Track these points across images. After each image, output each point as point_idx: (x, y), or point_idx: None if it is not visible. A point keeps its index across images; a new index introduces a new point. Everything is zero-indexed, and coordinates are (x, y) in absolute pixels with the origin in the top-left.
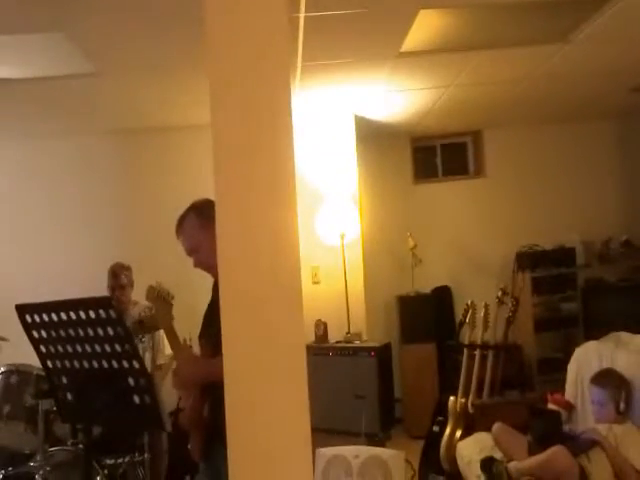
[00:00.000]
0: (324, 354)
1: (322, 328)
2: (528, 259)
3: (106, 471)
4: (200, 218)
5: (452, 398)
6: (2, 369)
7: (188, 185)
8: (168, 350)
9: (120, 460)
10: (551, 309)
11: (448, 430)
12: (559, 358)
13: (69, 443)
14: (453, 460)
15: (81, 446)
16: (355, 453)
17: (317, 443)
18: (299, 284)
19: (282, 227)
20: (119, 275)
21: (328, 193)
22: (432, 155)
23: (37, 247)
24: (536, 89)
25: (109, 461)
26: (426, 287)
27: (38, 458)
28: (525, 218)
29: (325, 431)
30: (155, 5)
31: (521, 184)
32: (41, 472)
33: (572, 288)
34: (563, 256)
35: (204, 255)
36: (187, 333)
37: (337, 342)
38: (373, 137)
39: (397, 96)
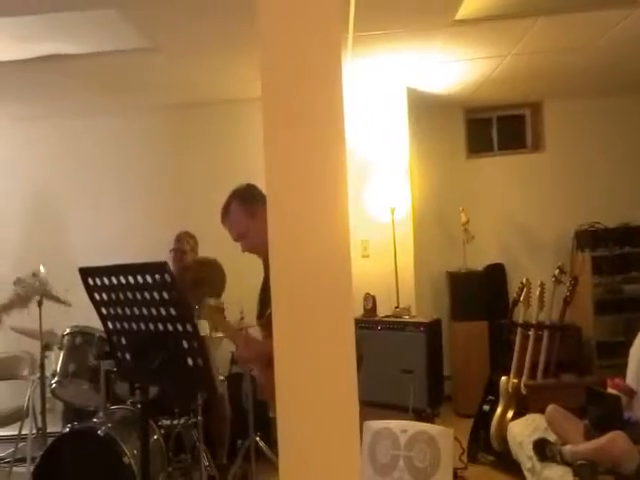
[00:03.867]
0: (372, 328)
1: (371, 302)
2: (588, 237)
3: (163, 431)
4: (243, 206)
5: (504, 378)
6: (67, 330)
7: (240, 157)
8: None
9: (175, 421)
10: (613, 291)
11: (499, 410)
12: (620, 342)
13: (128, 402)
14: (504, 440)
15: (139, 406)
16: (403, 427)
17: (363, 416)
18: (348, 257)
19: (332, 200)
20: (182, 241)
21: (379, 166)
22: (487, 128)
23: (100, 215)
24: (601, 57)
25: (165, 421)
26: (478, 264)
27: (100, 415)
28: (585, 194)
29: (371, 404)
30: None
31: (582, 159)
32: (103, 428)
33: (637, 269)
34: (627, 235)
35: (251, 240)
36: (240, 306)
37: (386, 316)
38: (425, 109)
39: (451, 66)
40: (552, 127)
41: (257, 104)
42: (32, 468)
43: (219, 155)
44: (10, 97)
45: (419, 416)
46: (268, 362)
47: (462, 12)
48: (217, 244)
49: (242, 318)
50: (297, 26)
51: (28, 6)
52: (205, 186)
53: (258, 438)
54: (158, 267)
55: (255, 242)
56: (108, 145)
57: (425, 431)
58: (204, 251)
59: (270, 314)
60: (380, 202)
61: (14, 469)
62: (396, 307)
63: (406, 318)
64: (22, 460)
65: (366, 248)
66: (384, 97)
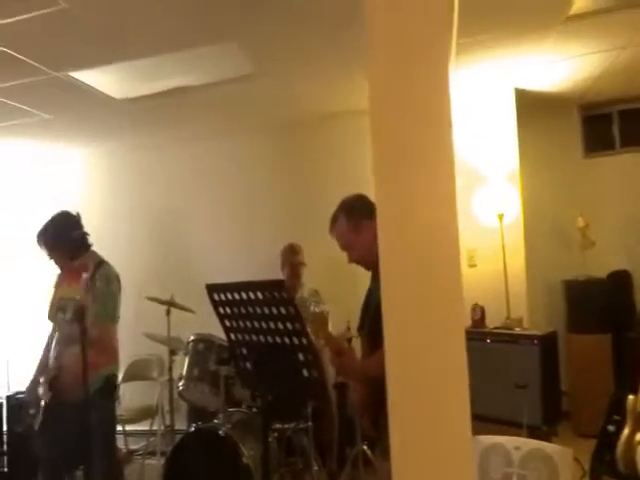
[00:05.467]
0: (481, 339)
1: (479, 313)
2: None
3: (275, 434)
4: (349, 219)
5: (631, 396)
6: (192, 337)
7: (347, 170)
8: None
9: (287, 425)
10: None
11: (626, 431)
12: None
13: (244, 406)
14: (632, 463)
15: (254, 410)
16: (516, 444)
17: (473, 430)
18: (458, 267)
19: (441, 210)
20: (295, 253)
21: (486, 172)
22: (607, 124)
23: (218, 231)
24: None
25: (277, 425)
26: (599, 271)
27: (220, 416)
28: None
29: (480, 419)
30: (315, 5)
31: None
32: (223, 428)
33: None
34: None
35: (357, 252)
36: (347, 317)
37: (495, 328)
38: (535, 109)
39: (563, 63)
40: None
41: (362, 116)
42: (162, 461)
43: (327, 167)
44: (138, 128)
45: (533, 433)
46: (359, 379)
47: (577, 6)
48: (326, 255)
49: (348, 328)
50: (404, 37)
51: (161, 47)
52: (313, 199)
53: (365, 447)
54: (276, 285)
55: (360, 254)
56: (224, 165)
57: (541, 449)
58: (314, 262)
59: (370, 329)
60: (488, 208)
61: (145, 461)
62: (507, 318)
63: (518, 330)
64: (152, 453)
65: (473, 257)
66: (491, 101)
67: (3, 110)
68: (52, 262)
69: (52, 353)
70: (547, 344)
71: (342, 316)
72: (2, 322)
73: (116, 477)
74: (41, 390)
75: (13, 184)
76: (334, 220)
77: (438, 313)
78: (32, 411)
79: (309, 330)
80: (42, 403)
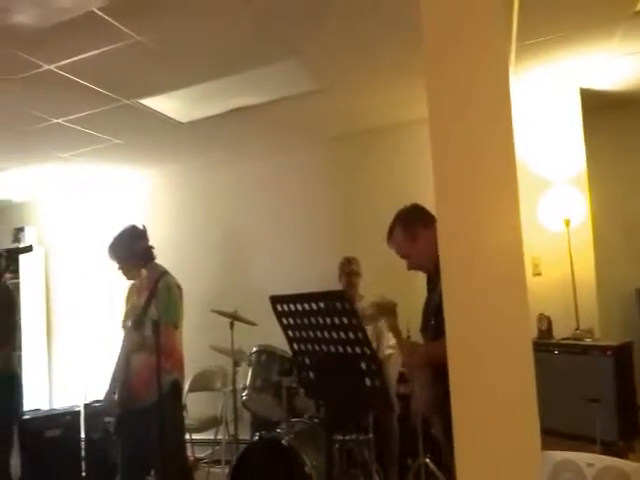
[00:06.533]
0: (549, 351)
1: (546, 323)
2: None
3: (337, 445)
4: (405, 230)
5: None
6: (255, 349)
7: (408, 179)
8: (389, 341)
9: (348, 437)
10: None
11: None
12: None
13: (306, 416)
14: None
15: (316, 420)
16: (588, 460)
17: (542, 445)
18: (523, 276)
19: (504, 218)
20: (353, 263)
21: (551, 176)
22: None
23: (280, 243)
24: None
25: (339, 437)
26: None
27: (283, 426)
28: None
29: (550, 433)
30: (375, 16)
31: None
32: (286, 438)
33: None
34: None
35: (414, 260)
36: (407, 325)
37: (564, 339)
38: (602, 109)
39: (631, 60)
40: None
41: (422, 125)
42: (226, 469)
43: (386, 178)
44: (201, 148)
45: (608, 449)
46: (435, 365)
47: None
48: (379, 267)
49: (409, 337)
50: (462, 45)
51: (226, 69)
52: (372, 210)
53: (428, 460)
54: (338, 295)
55: (418, 261)
56: (284, 180)
57: (616, 466)
58: (372, 270)
59: (430, 328)
60: (553, 213)
61: (211, 469)
62: (576, 329)
63: (588, 341)
64: (217, 462)
65: (537, 265)
66: (555, 102)
67: (79, 137)
68: (120, 273)
69: (123, 361)
70: (622, 355)
71: (400, 324)
72: (79, 333)
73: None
74: (116, 397)
75: (86, 205)
76: (391, 232)
77: (503, 324)
78: (108, 418)
79: (375, 315)
80: (117, 410)
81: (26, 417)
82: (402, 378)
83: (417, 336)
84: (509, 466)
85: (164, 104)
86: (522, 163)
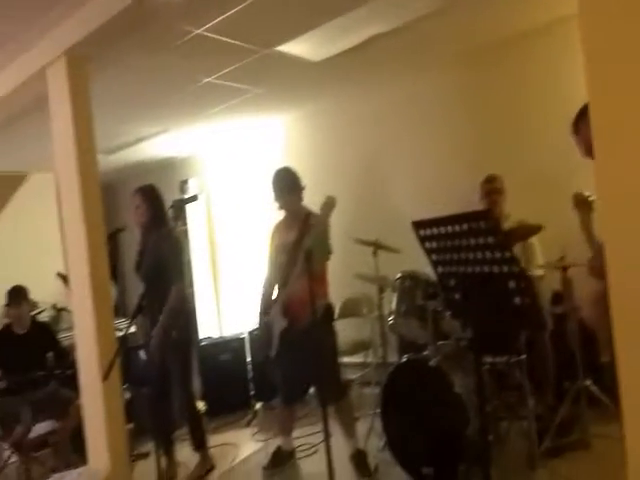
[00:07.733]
0: None
1: None
2: None
3: (487, 366)
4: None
5: None
6: (399, 275)
7: (547, 89)
8: (538, 260)
9: (499, 359)
10: None
11: None
12: None
13: (452, 338)
14: None
15: (463, 342)
16: None
17: None
18: None
19: None
20: (493, 182)
21: None
22: None
23: (418, 167)
24: None
25: (488, 359)
26: None
27: (430, 348)
28: None
29: None
30: None
31: None
32: (434, 360)
33: None
34: None
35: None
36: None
37: None
38: None
39: None
40: None
41: (558, 26)
42: (376, 390)
43: (525, 90)
44: (333, 86)
45: None
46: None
47: None
48: (525, 184)
49: (562, 257)
50: None
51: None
52: (512, 126)
53: (589, 382)
54: (482, 215)
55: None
56: (421, 105)
57: None
58: (514, 190)
59: None
60: None
61: (362, 390)
62: None
63: None
64: (367, 383)
65: None
66: None
67: (226, 92)
68: (276, 207)
69: (281, 289)
70: None
71: (553, 247)
72: (240, 269)
73: (345, 394)
74: (274, 321)
75: (237, 154)
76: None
77: None
78: (268, 341)
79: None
80: (277, 332)
81: (202, 344)
82: (557, 298)
83: (571, 257)
84: None
85: (298, 47)
86: None
